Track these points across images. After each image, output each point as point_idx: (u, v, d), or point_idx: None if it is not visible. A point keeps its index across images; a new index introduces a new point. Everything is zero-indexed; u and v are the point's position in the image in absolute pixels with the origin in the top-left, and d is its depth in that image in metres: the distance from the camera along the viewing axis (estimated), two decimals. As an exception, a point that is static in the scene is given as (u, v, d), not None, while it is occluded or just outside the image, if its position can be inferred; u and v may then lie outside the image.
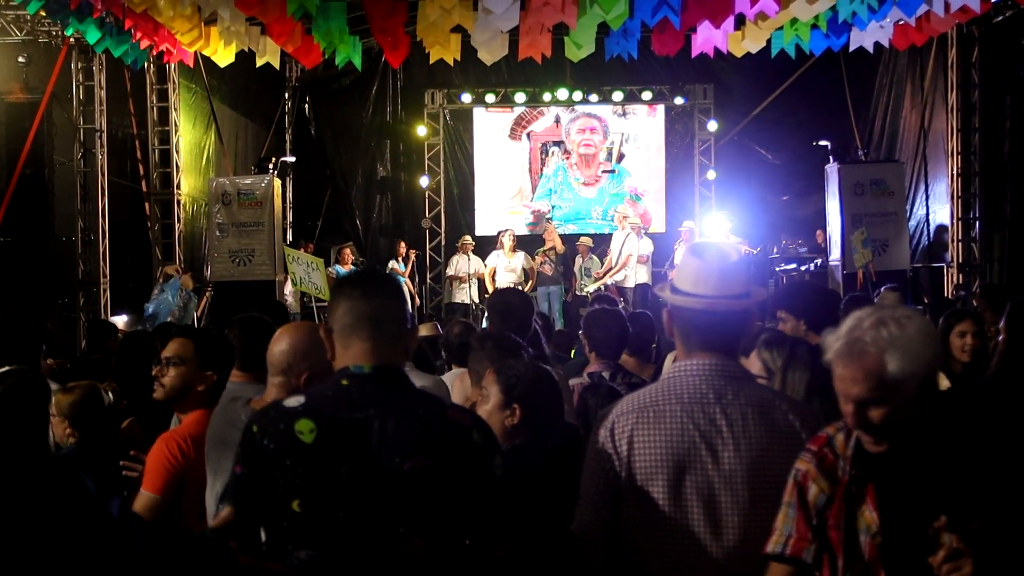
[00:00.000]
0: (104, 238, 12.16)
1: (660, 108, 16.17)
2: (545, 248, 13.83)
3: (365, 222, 16.86)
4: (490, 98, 15.88)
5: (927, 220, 14.37)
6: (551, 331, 7.11)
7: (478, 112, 16.28)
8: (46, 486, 1.67)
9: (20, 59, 11.42)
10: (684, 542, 2.44)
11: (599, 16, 9.29)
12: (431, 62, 11.15)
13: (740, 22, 10.81)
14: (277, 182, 12.91)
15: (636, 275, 13.28)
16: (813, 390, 2.97)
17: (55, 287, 11.52)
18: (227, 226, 12.59)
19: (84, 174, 11.99)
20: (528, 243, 14.52)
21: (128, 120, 12.99)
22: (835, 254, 12.85)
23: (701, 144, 16.15)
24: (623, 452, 2.49)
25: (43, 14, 10.21)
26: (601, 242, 14.64)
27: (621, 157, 16.29)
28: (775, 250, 14.39)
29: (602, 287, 13.01)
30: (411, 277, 14.41)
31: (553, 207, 16.21)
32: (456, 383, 4.17)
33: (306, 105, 16.99)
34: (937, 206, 14.26)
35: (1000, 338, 4.77)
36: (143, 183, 13.30)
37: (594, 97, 15.86)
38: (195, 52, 11.21)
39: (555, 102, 15.86)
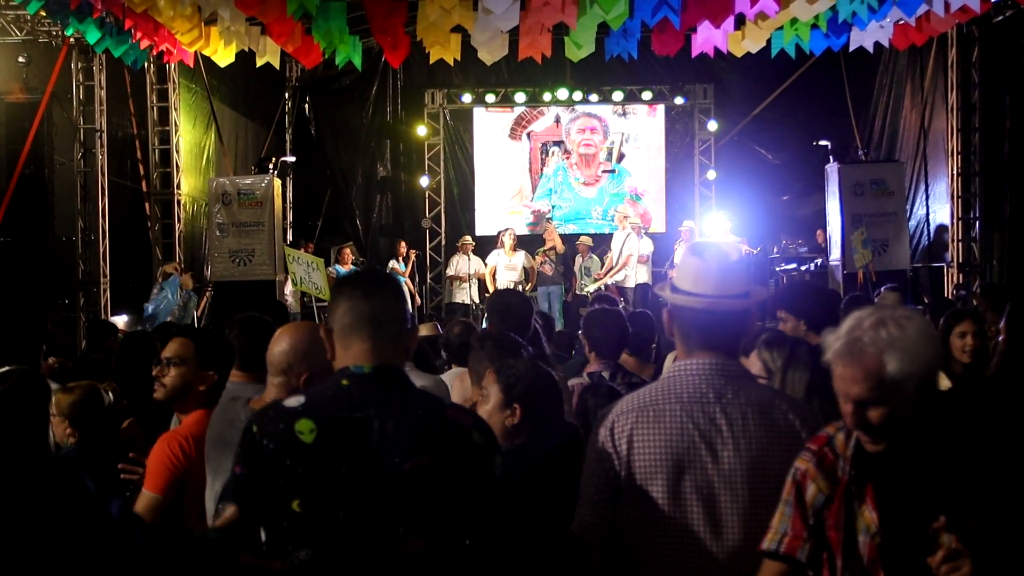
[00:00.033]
0: (104, 238, 12.17)
1: (660, 108, 16.17)
2: (545, 248, 13.83)
3: (365, 222, 16.87)
4: (490, 98, 15.88)
5: (927, 220, 14.37)
6: (552, 331, 7.11)
7: (478, 112, 16.28)
8: (46, 486, 1.67)
9: (20, 59, 11.42)
10: (684, 541, 2.44)
11: (599, 16, 9.29)
12: (431, 62, 11.15)
13: (740, 22, 10.81)
14: (277, 182, 12.91)
15: (636, 275, 13.28)
16: (813, 390, 2.97)
17: (55, 287, 11.52)
18: (227, 226, 12.60)
19: (84, 174, 11.99)
20: (528, 243, 14.53)
21: (128, 120, 12.99)
22: (835, 254, 12.85)
23: (701, 144, 16.15)
24: (623, 451, 2.49)
25: (43, 14, 10.22)
26: (601, 242, 14.65)
27: (621, 157, 16.30)
28: (775, 250, 14.39)
29: (602, 287, 13.02)
30: (411, 277, 14.41)
31: (553, 207, 16.21)
32: (456, 383, 4.17)
33: (306, 105, 16.99)
34: (937, 206, 14.26)
35: (1000, 338, 4.78)
36: (143, 183, 13.30)
37: (594, 97, 15.86)
38: (195, 52, 11.21)
39: (555, 102, 15.86)
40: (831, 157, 13.11)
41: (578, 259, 13.99)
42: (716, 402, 2.48)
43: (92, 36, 10.15)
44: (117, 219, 12.43)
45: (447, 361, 4.96)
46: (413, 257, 14.68)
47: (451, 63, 10.89)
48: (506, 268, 13.64)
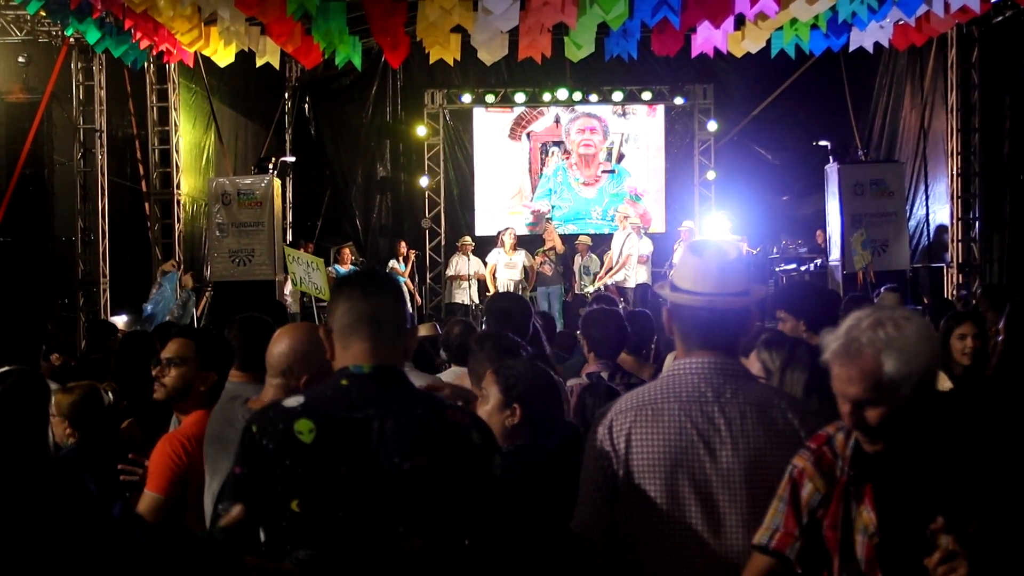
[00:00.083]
0: (104, 238, 12.17)
1: (660, 108, 16.17)
2: (545, 248, 13.84)
3: (365, 222, 16.86)
4: (490, 98, 15.88)
5: (927, 220, 14.36)
6: (554, 331, 7.10)
7: (478, 112, 16.28)
8: (47, 487, 1.67)
9: (20, 59, 11.42)
10: (681, 540, 2.44)
11: (599, 16, 9.29)
12: (431, 62, 11.13)
13: (740, 22, 10.81)
14: (277, 182, 12.90)
15: (636, 275, 13.28)
16: (811, 390, 2.97)
17: (55, 287, 11.52)
18: (227, 226, 12.59)
19: (84, 174, 11.99)
20: (528, 243, 14.53)
21: (128, 120, 12.99)
22: (835, 254, 12.85)
23: (701, 144, 16.15)
24: (621, 450, 2.49)
25: (43, 14, 10.21)
26: (600, 242, 14.65)
27: (621, 157, 16.30)
28: (775, 250, 14.39)
29: (602, 287, 13.02)
30: (411, 277, 14.42)
31: (553, 207, 16.21)
32: (455, 383, 4.17)
33: (306, 105, 16.98)
34: (937, 206, 14.26)
35: (1000, 338, 4.78)
36: (143, 183, 13.30)
37: (594, 97, 15.85)
38: (195, 52, 11.21)
39: (555, 102, 15.85)
40: (831, 157, 13.10)
41: (577, 259, 14.00)
42: (715, 401, 2.48)
43: (92, 36, 10.15)
44: (117, 219, 12.43)
45: (447, 361, 4.96)
46: (413, 257, 14.68)
47: (451, 63, 10.89)
48: (506, 267, 13.65)
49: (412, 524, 2.16)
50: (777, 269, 13.97)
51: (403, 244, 14.78)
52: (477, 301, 13.99)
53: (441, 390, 3.22)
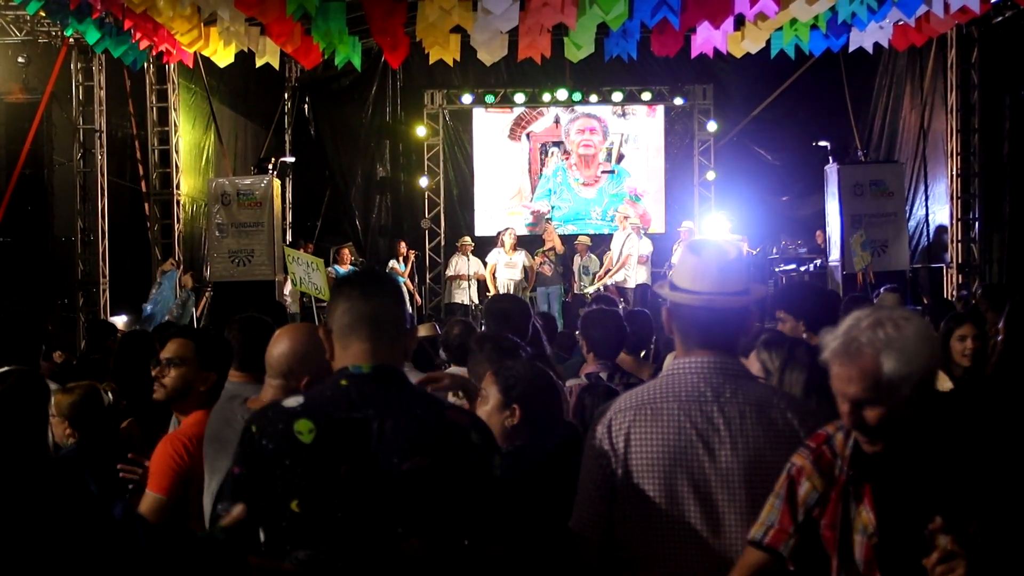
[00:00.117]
0: (103, 238, 12.17)
1: (660, 108, 16.17)
2: (545, 248, 13.84)
3: (364, 222, 16.86)
4: (490, 99, 15.87)
5: (926, 221, 14.37)
6: (555, 332, 7.09)
7: (478, 112, 16.28)
8: (49, 488, 1.67)
9: (20, 59, 11.42)
10: (680, 540, 2.44)
11: (598, 16, 9.29)
12: (431, 62, 11.14)
13: (740, 23, 10.82)
14: (276, 182, 12.90)
15: (636, 275, 13.28)
16: (811, 390, 2.97)
17: (55, 287, 11.52)
18: (226, 226, 12.59)
19: (83, 174, 11.99)
20: (528, 243, 14.53)
21: (128, 120, 12.99)
22: (835, 255, 12.85)
23: (701, 144, 16.14)
24: (620, 449, 2.49)
25: (43, 14, 10.22)
26: (600, 242, 14.65)
27: (621, 157, 16.30)
28: (775, 251, 14.38)
29: (601, 287, 13.03)
30: (410, 277, 14.42)
31: (552, 207, 16.21)
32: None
33: (306, 105, 16.98)
34: (936, 207, 14.26)
35: (999, 338, 4.78)
36: (142, 183, 13.30)
37: (594, 97, 15.85)
38: (195, 52, 11.21)
39: (555, 102, 15.85)
40: (830, 158, 13.10)
41: (576, 259, 14.00)
42: (714, 401, 2.47)
43: (92, 36, 10.15)
44: (116, 219, 12.43)
45: (446, 361, 4.96)
46: (412, 257, 14.68)
47: (450, 63, 10.89)
48: (506, 267, 13.65)
49: (411, 524, 2.16)
50: (777, 269, 13.97)
51: (403, 244, 14.78)
52: (477, 301, 14.00)
53: (440, 380, 3.22)
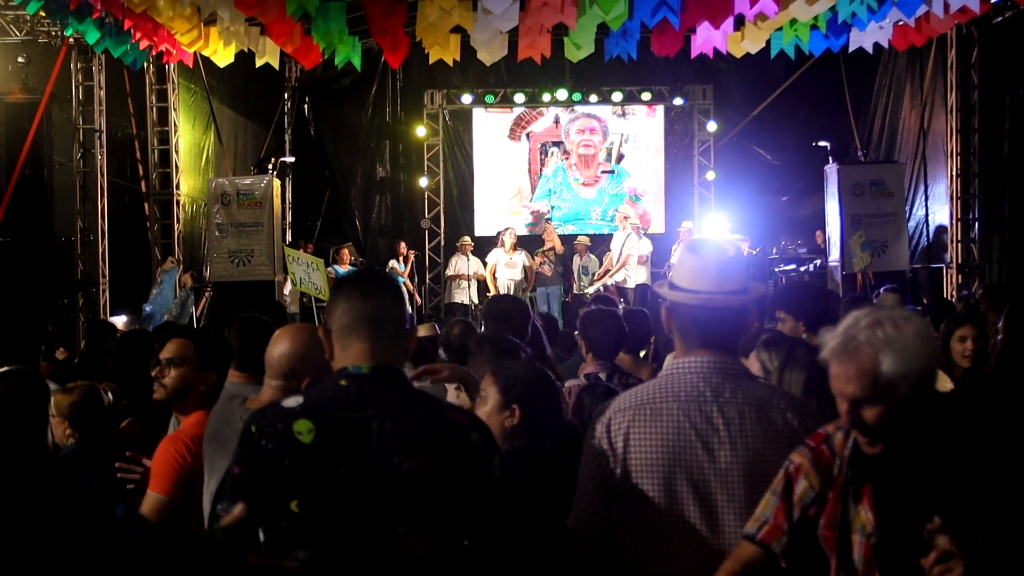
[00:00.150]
0: (103, 238, 12.17)
1: (659, 109, 16.17)
2: (544, 249, 13.84)
3: (364, 222, 16.86)
4: (489, 99, 15.87)
5: (926, 221, 14.36)
6: (556, 332, 7.09)
7: (477, 112, 16.29)
8: (50, 488, 1.67)
9: (20, 59, 11.42)
10: (679, 539, 2.44)
11: (598, 17, 9.29)
12: (431, 62, 11.14)
13: (739, 23, 10.81)
14: (276, 182, 12.90)
15: (636, 276, 13.29)
16: (810, 390, 2.97)
17: (54, 287, 11.52)
18: (226, 226, 12.59)
19: (83, 174, 11.99)
20: (528, 244, 14.54)
21: (127, 120, 12.99)
22: (834, 255, 12.84)
23: (700, 145, 16.15)
24: (619, 449, 2.49)
25: (43, 14, 10.22)
26: (600, 242, 14.65)
27: (620, 158, 16.30)
28: (774, 251, 14.38)
29: (601, 287, 13.03)
30: (410, 277, 14.42)
31: (552, 207, 16.21)
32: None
33: (305, 105, 16.98)
34: (936, 207, 14.26)
35: (999, 338, 4.78)
36: (142, 183, 13.30)
37: (593, 98, 15.85)
38: (195, 52, 11.21)
39: (554, 102, 15.85)
40: (830, 158, 13.10)
41: (576, 259, 14.01)
42: (713, 400, 2.47)
43: (91, 36, 10.15)
44: (116, 219, 12.43)
45: (446, 360, 4.96)
46: (412, 257, 14.68)
47: (450, 63, 10.90)
48: (506, 266, 13.66)
49: (411, 524, 2.16)
50: (776, 269, 13.97)
51: (403, 244, 14.79)
52: (477, 301, 14.00)
53: (440, 372, 3.22)
